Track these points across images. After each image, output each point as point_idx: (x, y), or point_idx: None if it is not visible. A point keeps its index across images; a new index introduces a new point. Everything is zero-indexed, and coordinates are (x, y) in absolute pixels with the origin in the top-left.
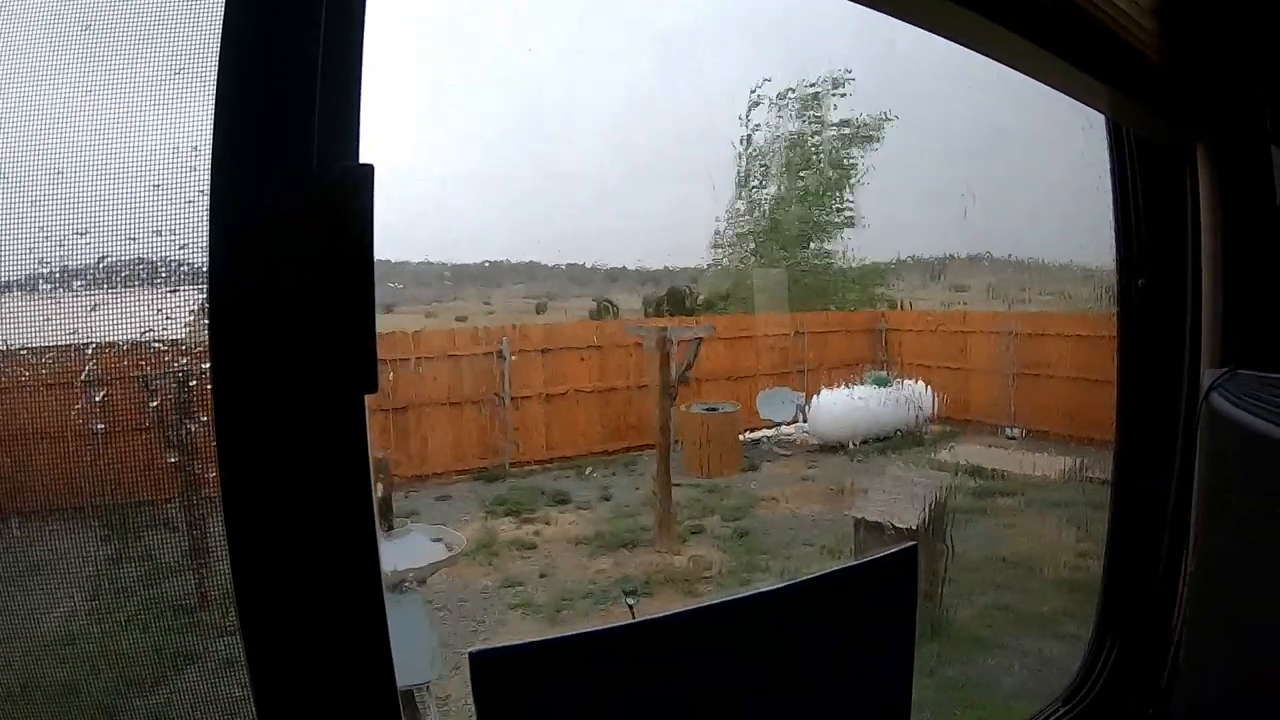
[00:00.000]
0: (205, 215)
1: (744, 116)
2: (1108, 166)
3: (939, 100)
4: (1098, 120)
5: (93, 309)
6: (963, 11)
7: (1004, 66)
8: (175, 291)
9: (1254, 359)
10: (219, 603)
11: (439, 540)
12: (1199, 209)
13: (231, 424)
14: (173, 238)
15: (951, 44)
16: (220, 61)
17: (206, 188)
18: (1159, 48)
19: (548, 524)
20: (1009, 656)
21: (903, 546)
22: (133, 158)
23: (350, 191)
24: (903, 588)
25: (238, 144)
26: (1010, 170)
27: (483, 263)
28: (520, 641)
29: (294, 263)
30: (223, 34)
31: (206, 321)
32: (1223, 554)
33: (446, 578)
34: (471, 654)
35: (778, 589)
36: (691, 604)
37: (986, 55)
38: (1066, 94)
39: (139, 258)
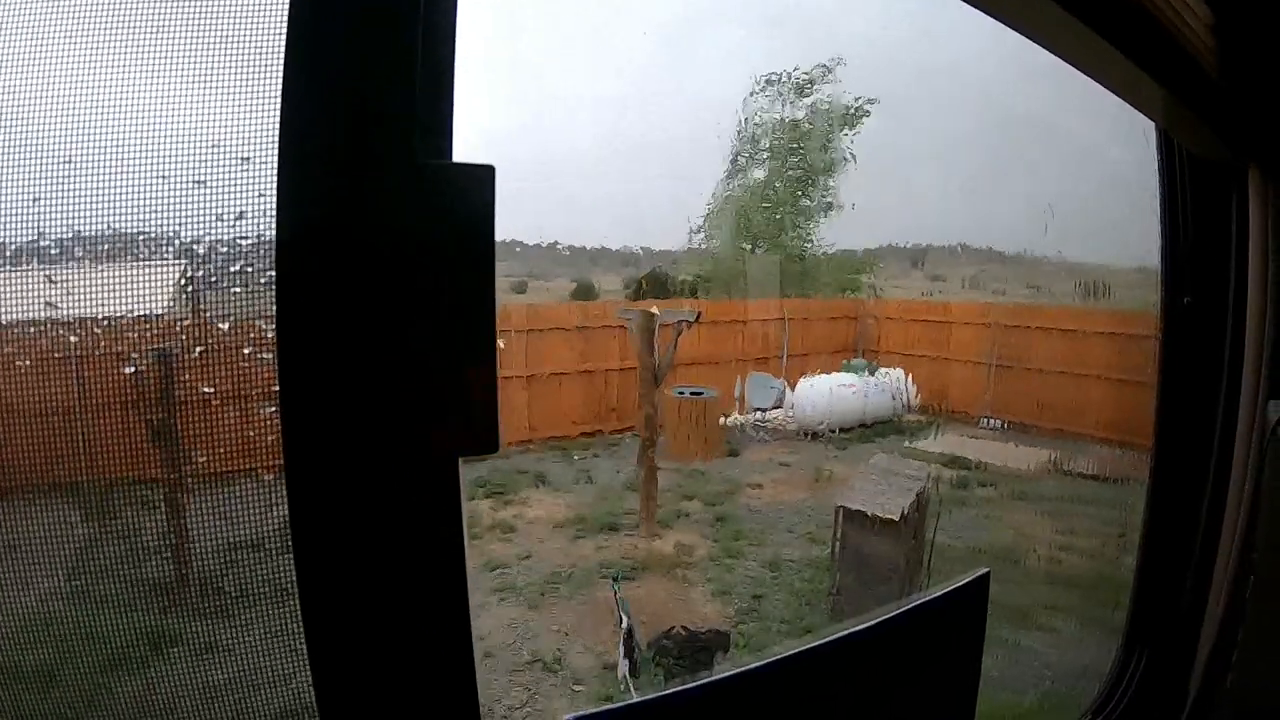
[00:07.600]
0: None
1: (743, 102)
2: (1155, 177)
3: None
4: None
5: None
6: None
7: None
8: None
9: None
10: None
11: None
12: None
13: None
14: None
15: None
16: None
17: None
18: (1216, 64)
19: (529, 506)
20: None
21: (975, 575)
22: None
23: (464, 197)
24: (973, 621)
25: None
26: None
27: None
28: (611, 706)
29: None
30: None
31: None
32: None
33: None
34: None
35: (855, 632)
36: (763, 658)
37: (1043, 44)
38: (1120, 95)
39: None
